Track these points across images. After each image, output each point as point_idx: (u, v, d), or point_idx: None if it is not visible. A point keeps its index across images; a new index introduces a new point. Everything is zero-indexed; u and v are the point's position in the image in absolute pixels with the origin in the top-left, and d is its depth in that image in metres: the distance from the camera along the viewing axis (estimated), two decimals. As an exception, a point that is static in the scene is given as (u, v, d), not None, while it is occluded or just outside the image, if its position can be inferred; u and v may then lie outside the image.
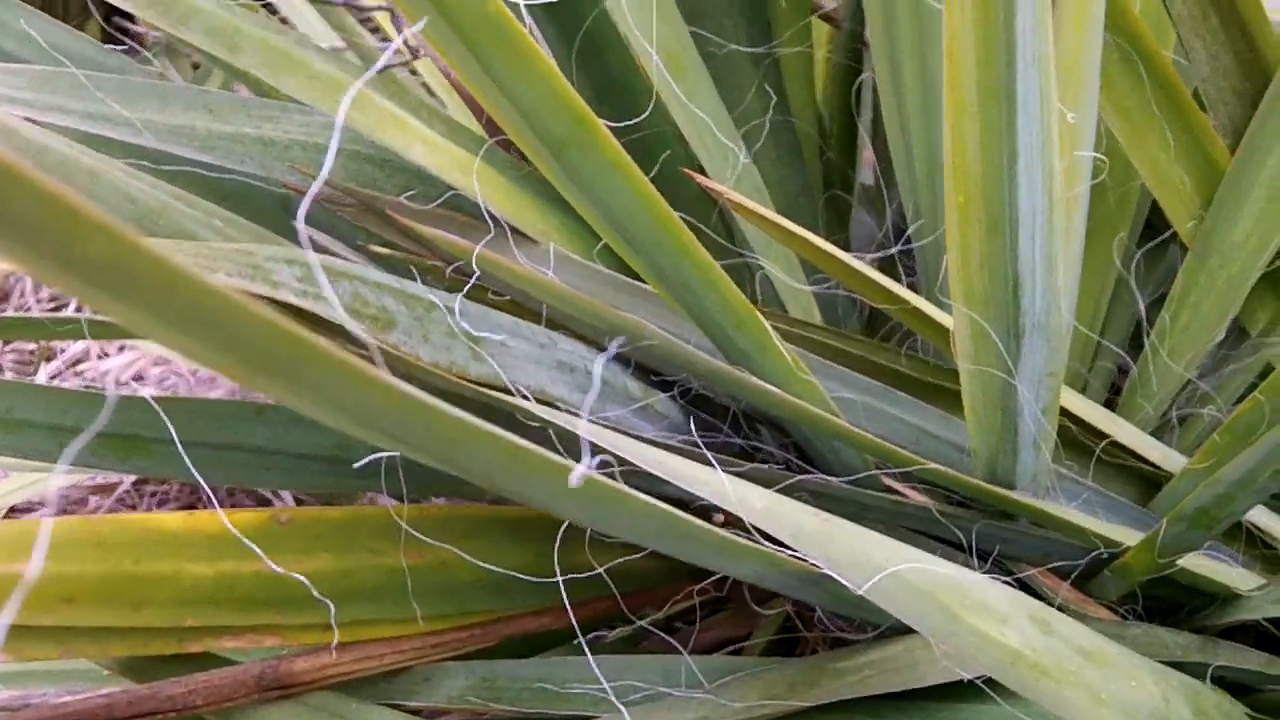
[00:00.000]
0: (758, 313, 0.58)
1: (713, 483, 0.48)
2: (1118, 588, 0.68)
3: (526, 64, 0.45)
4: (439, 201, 0.63)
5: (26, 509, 1.17)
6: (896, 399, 0.68)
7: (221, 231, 0.61)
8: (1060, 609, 0.67)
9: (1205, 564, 0.67)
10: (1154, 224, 0.80)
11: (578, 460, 0.45)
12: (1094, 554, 0.66)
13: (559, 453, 0.42)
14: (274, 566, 0.53)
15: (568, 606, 0.54)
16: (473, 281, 0.57)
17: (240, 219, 0.64)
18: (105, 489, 1.23)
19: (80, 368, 1.37)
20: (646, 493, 0.50)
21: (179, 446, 0.57)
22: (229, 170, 0.65)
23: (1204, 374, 0.78)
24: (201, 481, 0.54)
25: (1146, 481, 0.72)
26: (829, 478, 0.62)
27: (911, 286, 0.75)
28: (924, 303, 0.65)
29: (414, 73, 1.05)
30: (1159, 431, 0.78)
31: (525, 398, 0.55)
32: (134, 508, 1.23)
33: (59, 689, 0.76)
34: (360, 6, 1.02)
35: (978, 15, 0.48)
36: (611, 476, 0.38)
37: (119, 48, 0.80)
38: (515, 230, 0.62)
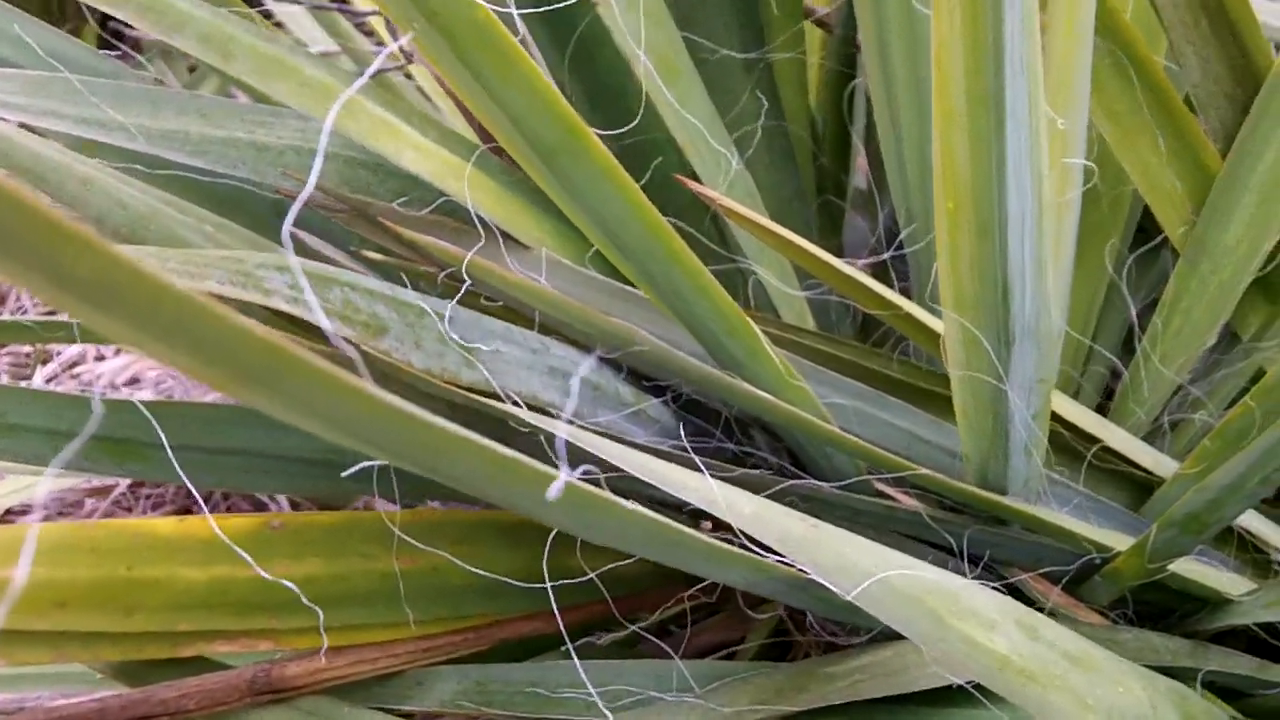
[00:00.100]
0: (749, 319, 0.58)
1: (701, 489, 0.49)
2: (1109, 593, 0.68)
3: (516, 72, 0.45)
4: (432, 207, 0.64)
5: (22, 512, 1.17)
6: (888, 404, 0.68)
7: (213, 237, 0.61)
8: (1051, 614, 0.67)
9: (1196, 569, 0.67)
10: (1146, 229, 0.80)
11: (570, 466, 0.45)
12: (1085, 559, 0.66)
13: (552, 458, 0.43)
14: (263, 573, 0.53)
15: (556, 613, 0.54)
16: (465, 288, 0.57)
17: (232, 224, 0.64)
18: (101, 492, 1.23)
19: (76, 370, 1.38)
20: (637, 498, 0.50)
21: (168, 451, 0.57)
22: (222, 175, 0.65)
23: (1196, 379, 0.78)
24: (192, 486, 0.54)
25: (1138, 486, 0.72)
26: (820, 483, 0.62)
27: (904, 291, 0.75)
28: (915, 308, 0.65)
29: (409, 76, 1.05)
30: (1151, 436, 0.78)
31: (516, 404, 0.55)
32: (130, 510, 1.23)
33: (53, 692, 0.76)
34: (354, 12, 1.02)
35: (966, 23, 0.48)
36: (596, 484, 0.39)
37: (114, 51, 0.80)
38: (507, 236, 0.62)
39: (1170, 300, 0.76)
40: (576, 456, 0.49)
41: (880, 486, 0.67)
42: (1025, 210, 0.53)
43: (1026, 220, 0.53)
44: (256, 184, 0.66)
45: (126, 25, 0.59)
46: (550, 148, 0.48)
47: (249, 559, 0.53)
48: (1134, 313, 0.79)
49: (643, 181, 0.66)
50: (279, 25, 1.18)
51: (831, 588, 0.47)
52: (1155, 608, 0.71)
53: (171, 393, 1.30)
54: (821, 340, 0.69)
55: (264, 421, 0.69)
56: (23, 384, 1.38)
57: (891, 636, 0.62)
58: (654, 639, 0.67)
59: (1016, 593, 0.68)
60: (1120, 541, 0.66)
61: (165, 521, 0.58)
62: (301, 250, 0.64)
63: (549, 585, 0.53)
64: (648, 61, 0.65)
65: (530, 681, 0.62)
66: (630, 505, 0.42)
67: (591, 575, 0.59)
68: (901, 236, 0.75)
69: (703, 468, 0.50)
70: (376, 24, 1.16)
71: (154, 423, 0.55)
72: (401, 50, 0.80)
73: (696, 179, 0.70)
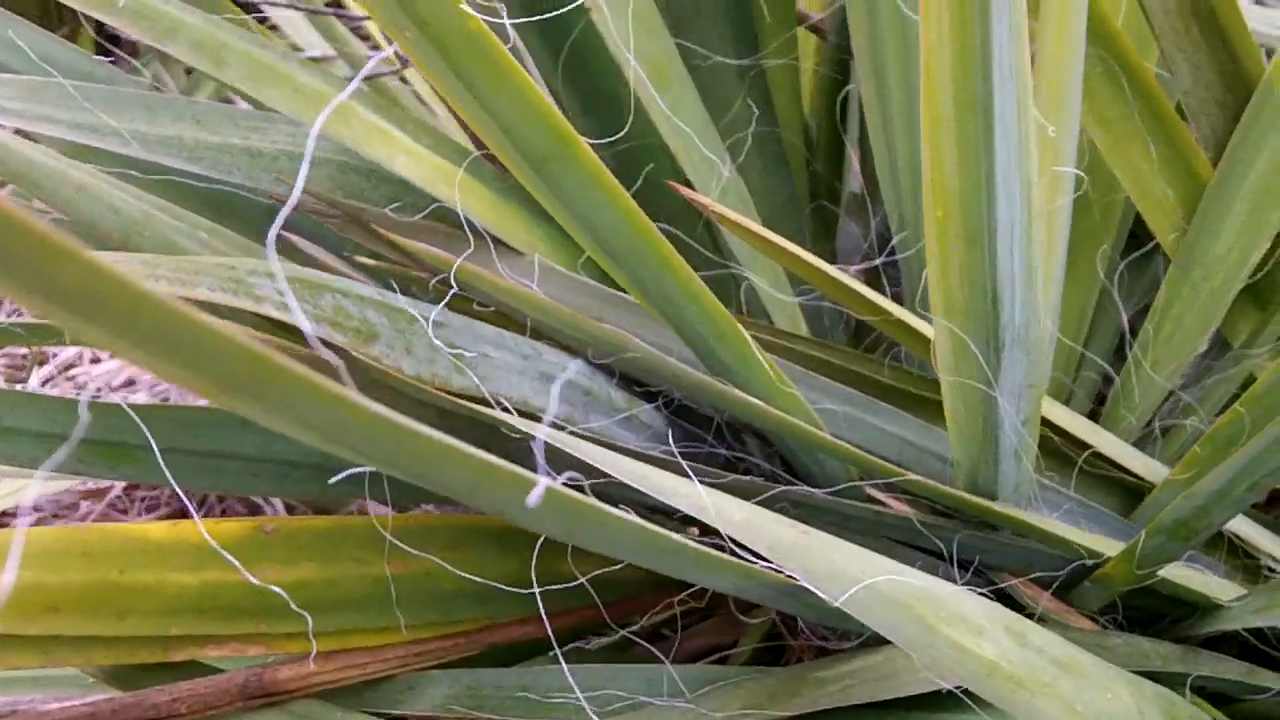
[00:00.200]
0: (739, 325, 0.58)
1: (691, 495, 0.49)
2: (1099, 598, 0.68)
3: (508, 82, 0.45)
4: (426, 212, 0.64)
5: (14, 513, 1.17)
6: (879, 409, 0.68)
7: (207, 243, 0.61)
8: (1042, 619, 0.67)
9: (1186, 574, 0.68)
10: (1138, 235, 0.81)
11: (561, 471, 0.45)
12: (1075, 564, 0.66)
13: (544, 463, 0.43)
14: (252, 579, 0.53)
15: (544, 619, 0.54)
16: (453, 294, 0.57)
17: (225, 230, 0.64)
18: (96, 494, 1.23)
19: (72, 372, 1.38)
20: (629, 504, 0.50)
21: (157, 455, 0.57)
22: (216, 180, 0.65)
23: (1187, 385, 0.78)
24: (180, 490, 0.54)
25: (1129, 492, 0.72)
26: (811, 489, 0.62)
27: (896, 297, 0.75)
28: (906, 314, 0.65)
29: (404, 81, 1.05)
30: (1142, 442, 0.78)
31: (507, 410, 0.56)
32: (125, 513, 1.23)
33: (45, 695, 0.77)
34: (350, 16, 1.02)
35: (954, 30, 0.48)
36: (581, 489, 0.39)
37: (111, 55, 0.80)
38: (499, 242, 0.62)
39: (1162, 306, 0.76)
40: (566, 463, 0.49)
41: (871, 492, 0.68)
42: (1014, 218, 0.53)
43: (1016, 228, 0.54)
44: (251, 189, 0.66)
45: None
46: (541, 156, 0.48)
47: (238, 564, 0.53)
48: (1125, 319, 0.79)
49: (635, 187, 0.67)
50: (274, 29, 1.19)
51: (820, 594, 0.47)
52: (1146, 613, 0.71)
53: (167, 395, 1.30)
54: (813, 345, 0.69)
55: (254, 425, 0.69)
56: (18, 387, 1.38)
57: (882, 641, 0.63)
58: (645, 643, 0.68)
59: (1007, 598, 0.68)
60: (1111, 547, 0.66)
61: (157, 526, 0.58)
62: (296, 255, 0.64)
63: (538, 591, 0.54)
64: (641, 69, 0.65)
65: (521, 686, 0.62)
66: (614, 511, 0.42)
67: (582, 580, 0.60)
68: (894, 242, 0.75)
69: (692, 474, 0.50)
70: (372, 28, 1.16)
71: (143, 427, 0.55)
72: (397, 55, 0.80)
73: (689, 185, 0.70)
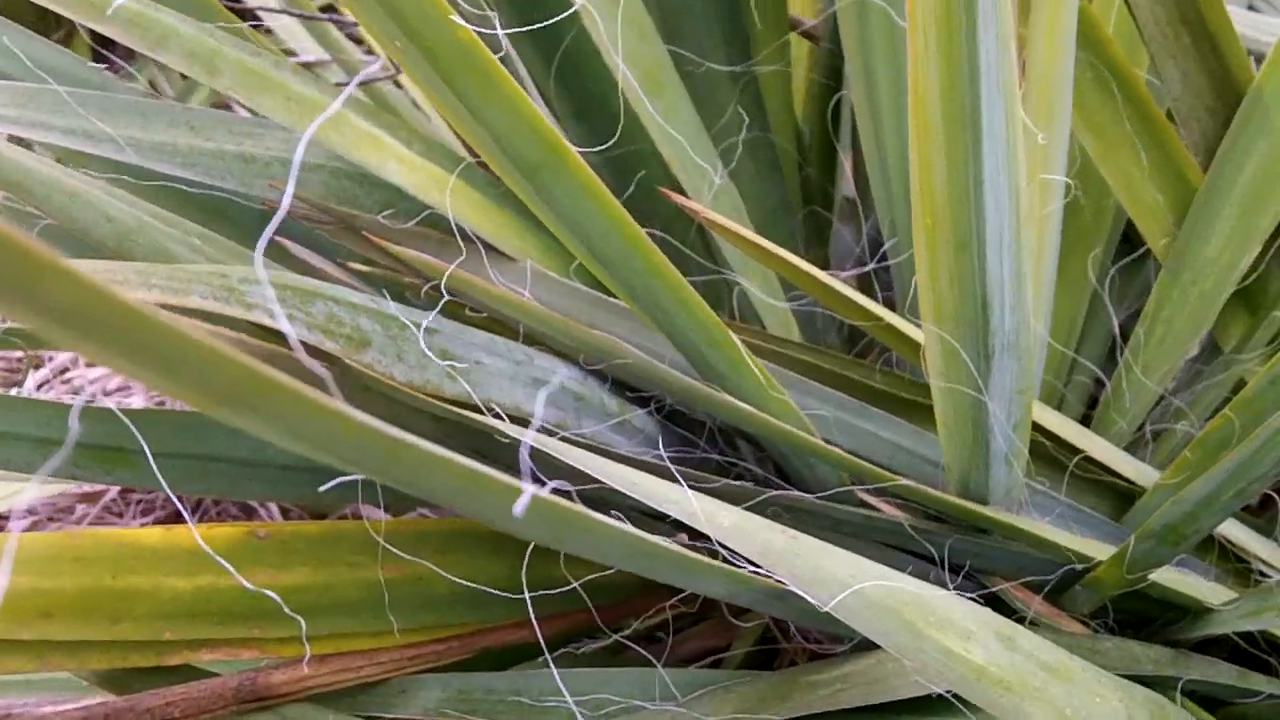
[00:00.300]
0: (730, 332, 0.58)
1: (681, 501, 0.49)
2: (1090, 601, 0.69)
3: (498, 92, 0.45)
4: (419, 218, 0.64)
5: (10, 518, 1.17)
6: (871, 414, 0.68)
7: (199, 249, 0.62)
8: (1033, 623, 0.67)
9: (1177, 578, 0.68)
10: (1129, 240, 0.81)
11: (551, 478, 0.46)
12: (1066, 568, 0.66)
13: (533, 469, 0.43)
14: (246, 583, 0.53)
15: (535, 624, 0.54)
16: (445, 300, 0.57)
17: (219, 236, 0.65)
18: (91, 497, 1.23)
19: (68, 376, 1.38)
20: (620, 508, 0.51)
21: (150, 459, 0.57)
22: (210, 186, 0.65)
23: (1178, 389, 0.79)
24: (173, 495, 0.54)
25: (1120, 496, 0.72)
26: (803, 494, 0.63)
27: (888, 302, 0.76)
28: (897, 319, 0.65)
29: (399, 85, 1.06)
30: (1133, 446, 0.78)
31: (499, 416, 0.56)
32: (120, 516, 1.23)
33: (39, 699, 0.77)
34: (344, 21, 1.03)
35: (940, 39, 0.48)
36: (569, 497, 0.39)
37: (107, 58, 0.80)
38: (492, 248, 0.63)
39: (1152, 311, 0.77)
40: (557, 469, 0.49)
41: (863, 496, 0.68)
42: (1003, 225, 0.54)
43: (1005, 235, 0.54)
44: (244, 195, 0.66)
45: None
46: (532, 165, 0.48)
47: (231, 569, 0.54)
48: (1116, 323, 0.80)
49: (628, 193, 0.67)
50: (269, 33, 1.19)
51: (810, 599, 0.47)
52: (1136, 616, 0.71)
53: (162, 400, 1.30)
54: (804, 351, 0.69)
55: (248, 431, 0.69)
56: (13, 391, 1.38)
57: (874, 645, 0.63)
58: (638, 647, 0.68)
59: (998, 602, 0.68)
60: (1101, 551, 0.66)
61: (151, 531, 0.58)
62: (289, 260, 0.64)
63: (529, 596, 0.54)
64: (633, 76, 0.65)
65: (514, 690, 0.63)
66: (602, 518, 0.42)
67: (575, 584, 0.60)
68: (886, 248, 0.75)
69: (682, 480, 0.50)
70: (366, 33, 1.16)
71: (135, 431, 0.55)
72: (391, 60, 0.80)
73: (682, 191, 0.71)
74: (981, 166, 0.51)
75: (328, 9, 1.14)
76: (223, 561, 0.53)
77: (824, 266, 0.69)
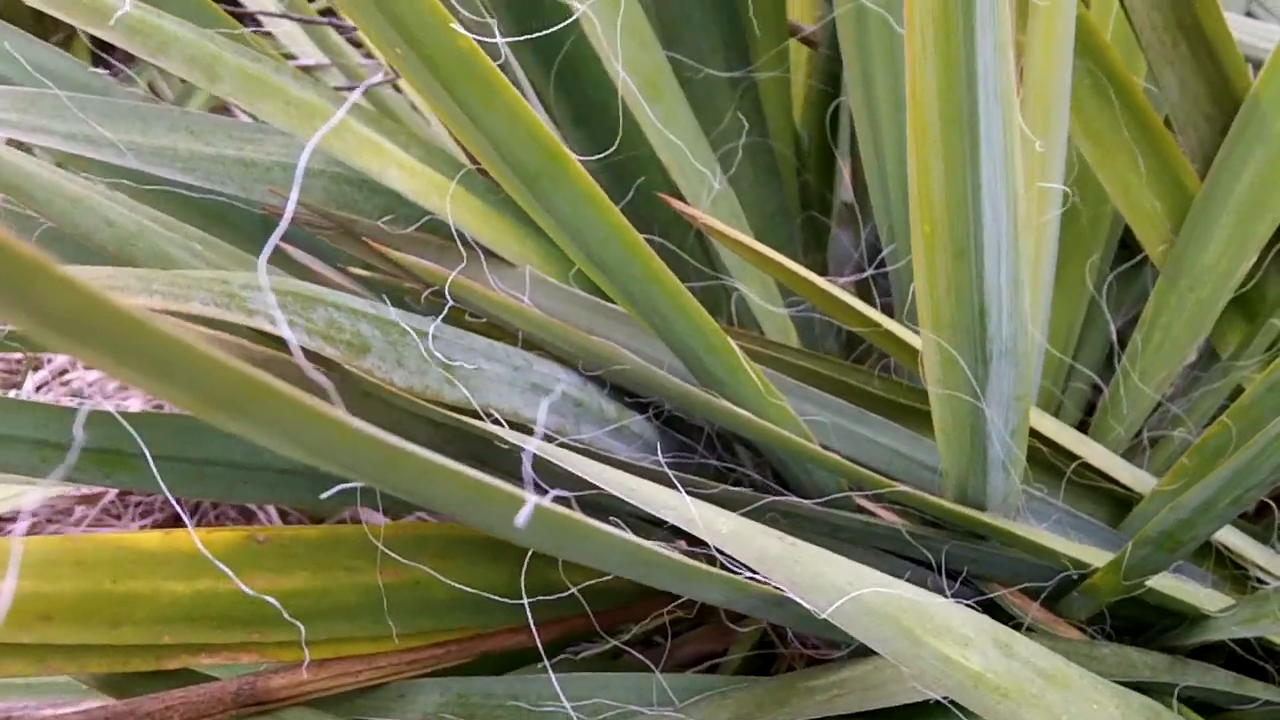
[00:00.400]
0: (728, 338, 0.59)
1: (679, 507, 0.49)
2: (1087, 608, 0.69)
3: (498, 100, 0.45)
4: (419, 224, 0.64)
5: (11, 519, 1.18)
6: (869, 420, 0.69)
7: (200, 254, 0.62)
8: (1030, 629, 0.67)
9: (1174, 584, 0.68)
10: (1127, 246, 0.81)
11: (550, 484, 0.46)
12: (1063, 574, 0.67)
13: (531, 476, 0.43)
14: (245, 589, 0.53)
15: (533, 629, 0.54)
16: (448, 307, 0.57)
17: (219, 241, 0.65)
18: (90, 499, 1.23)
19: (67, 377, 1.38)
20: (619, 514, 0.51)
21: (150, 462, 0.57)
22: (210, 191, 0.65)
23: (1175, 396, 0.79)
24: (173, 499, 0.54)
25: (1118, 502, 0.73)
26: (800, 500, 0.63)
27: (886, 307, 0.76)
28: (895, 325, 0.66)
29: (398, 89, 1.06)
30: (1131, 453, 0.78)
31: (498, 422, 0.56)
32: (119, 518, 1.23)
33: (39, 702, 0.77)
34: (344, 25, 1.03)
35: (938, 45, 0.48)
36: (569, 504, 0.39)
37: (107, 61, 0.80)
38: (491, 254, 0.63)
39: (1150, 317, 0.77)
40: (555, 475, 0.49)
41: (861, 502, 0.68)
42: (1001, 232, 0.54)
43: (1002, 242, 0.54)
44: (244, 200, 0.66)
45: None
46: (532, 172, 0.49)
47: (231, 574, 0.54)
48: (1114, 330, 0.80)
49: (627, 199, 0.67)
50: (269, 35, 1.19)
51: (807, 606, 0.48)
52: (1134, 623, 0.71)
53: (160, 403, 1.30)
54: (803, 356, 0.70)
55: (248, 434, 0.69)
56: (12, 393, 1.38)
57: (871, 650, 0.63)
58: (636, 652, 0.68)
59: (995, 608, 0.69)
60: (1098, 557, 0.66)
61: (150, 535, 0.58)
62: (290, 265, 0.64)
63: (528, 601, 0.54)
64: (632, 81, 0.65)
65: (512, 694, 0.63)
66: (602, 527, 0.43)
67: (573, 590, 0.60)
68: (884, 253, 0.75)
69: (680, 486, 0.50)
70: (367, 39, 1.16)
71: (135, 435, 0.56)
72: (391, 65, 0.81)
73: (681, 196, 0.71)
74: (979, 173, 0.51)
75: (327, 12, 1.14)
76: (222, 566, 0.53)
77: (822, 272, 0.69)
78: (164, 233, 0.61)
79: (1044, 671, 0.51)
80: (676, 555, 0.48)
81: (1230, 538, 0.72)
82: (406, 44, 0.44)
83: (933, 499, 0.63)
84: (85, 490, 1.23)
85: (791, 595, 0.48)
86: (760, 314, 0.77)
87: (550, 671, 0.56)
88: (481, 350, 0.61)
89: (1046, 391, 0.80)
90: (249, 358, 0.53)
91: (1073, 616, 0.70)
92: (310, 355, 0.52)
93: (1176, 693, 0.63)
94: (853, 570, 0.51)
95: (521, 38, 0.60)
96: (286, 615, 0.54)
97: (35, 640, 0.56)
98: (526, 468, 0.39)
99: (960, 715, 0.58)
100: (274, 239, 0.34)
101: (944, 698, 0.58)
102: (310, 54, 1.15)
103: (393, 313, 0.57)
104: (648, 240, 0.53)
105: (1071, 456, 0.70)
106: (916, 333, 0.63)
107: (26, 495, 1.03)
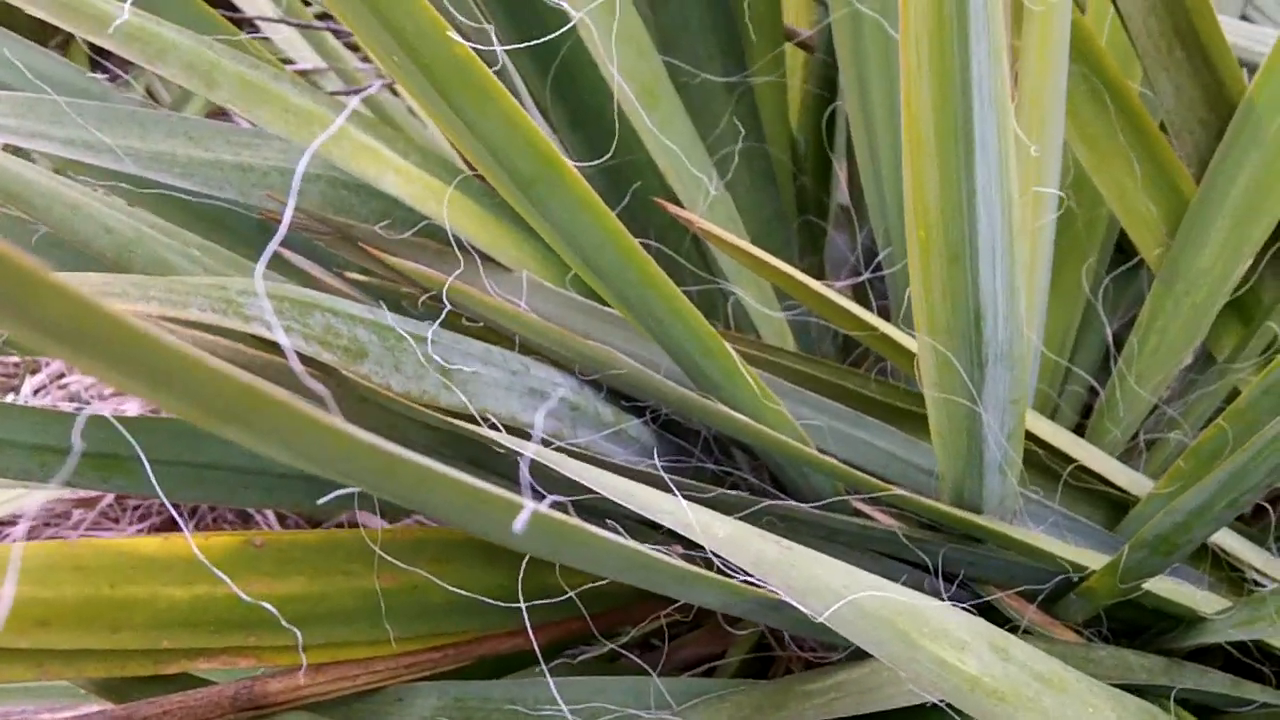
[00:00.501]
0: (725, 342, 0.59)
1: (676, 512, 0.49)
2: (1084, 610, 0.69)
3: (493, 105, 0.46)
4: (416, 229, 0.64)
5: (10, 522, 1.18)
6: (866, 424, 0.69)
7: (197, 260, 0.62)
8: (1026, 632, 0.68)
9: (1170, 587, 0.68)
10: (1123, 250, 0.82)
11: (546, 488, 0.46)
12: (1060, 577, 0.67)
13: (528, 480, 0.43)
14: (242, 594, 0.53)
15: (530, 632, 0.55)
16: (445, 312, 0.57)
17: (217, 246, 0.65)
18: (88, 503, 1.23)
19: (64, 381, 1.38)
20: (616, 517, 0.51)
21: (147, 467, 0.57)
22: (208, 196, 0.65)
23: (1172, 399, 0.79)
24: (169, 504, 0.54)
25: (1114, 505, 0.73)
26: (797, 503, 0.63)
27: (883, 310, 0.76)
28: (892, 329, 0.66)
29: (395, 93, 1.06)
30: (1127, 456, 0.79)
31: (495, 427, 0.56)
32: (117, 521, 1.23)
33: (38, 706, 0.77)
34: (341, 30, 1.03)
35: (933, 52, 0.48)
36: (566, 510, 0.39)
37: (105, 66, 0.81)
38: (488, 259, 0.63)
39: (1146, 320, 0.77)
40: (552, 479, 0.50)
41: (858, 506, 0.68)
42: (996, 237, 0.54)
43: (998, 246, 0.54)
44: (242, 205, 0.66)
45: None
46: (528, 178, 0.49)
47: (227, 580, 0.54)
48: (1110, 333, 0.80)
49: (624, 204, 0.67)
50: (266, 39, 1.19)
51: (804, 609, 0.48)
52: (1130, 625, 0.71)
53: (157, 408, 1.30)
54: (800, 360, 0.70)
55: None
56: (10, 397, 1.38)
57: (868, 653, 0.63)
58: (633, 655, 0.68)
59: (992, 610, 0.69)
60: (1095, 560, 0.67)
61: (149, 540, 0.58)
62: (288, 270, 0.64)
63: (525, 605, 0.54)
64: (629, 87, 0.65)
65: (509, 698, 0.63)
66: (599, 532, 0.43)
67: (570, 594, 0.60)
68: (880, 257, 0.76)
69: (676, 490, 0.50)
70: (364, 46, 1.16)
71: (131, 440, 0.56)
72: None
73: (677, 201, 0.71)
74: (974, 178, 0.51)
75: (324, 17, 1.14)
76: (219, 573, 0.53)
77: (819, 276, 0.69)
78: (162, 239, 0.61)
79: (1040, 675, 0.52)
80: (673, 559, 0.48)
81: (1227, 540, 0.72)
82: (403, 51, 0.44)
83: (929, 502, 0.63)
84: (83, 494, 1.23)
85: (788, 599, 0.48)
86: (757, 318, 0.77)
87: (548, 675, 0.56)
88: (478, 355, 0.61)
89: (1043, 395, 0.80)
90: (246, 363, 0.53)
91: (1069, 619, 0.70)
92: (307, 361, 0.52)
93: (1173, 695, 0.63)
94: (849, 574, 0.51)
95: (519, 45, 0.60)
96: (284, 620, 0.54)
97: (34, 645, 0.56)
98: (524, 472, 0.40)
99: (956, 719, 0.59)
100: (272, 245, 0.34)
101: (940, 701, 0.58)
102: (308, 58, 1.15)
103: (390, 318, 0.57)
104: (644, 245, 0.53)
105: (1068, 459, 0.70)
106: (912, 336, 0.63)
107: (26, 499, 1.03)
